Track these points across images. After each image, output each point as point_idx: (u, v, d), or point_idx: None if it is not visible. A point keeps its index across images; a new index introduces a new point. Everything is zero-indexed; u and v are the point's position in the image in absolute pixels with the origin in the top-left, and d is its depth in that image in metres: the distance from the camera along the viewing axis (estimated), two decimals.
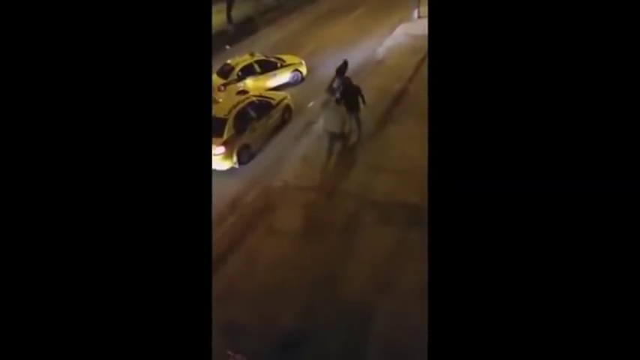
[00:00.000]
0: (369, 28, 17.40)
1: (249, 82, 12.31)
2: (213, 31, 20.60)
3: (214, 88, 12.05)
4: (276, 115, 10.44)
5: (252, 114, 9.67)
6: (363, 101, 9.14)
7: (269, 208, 7.69)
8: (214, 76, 12.48)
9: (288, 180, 8.42)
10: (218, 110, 9.39)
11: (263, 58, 13.00)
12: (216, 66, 13.83)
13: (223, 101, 9.99)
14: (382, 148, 8.96)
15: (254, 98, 10.24)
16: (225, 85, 12.08)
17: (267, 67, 12.78)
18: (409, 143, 8.74)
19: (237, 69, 12.35)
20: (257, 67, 12.60)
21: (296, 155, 9.25)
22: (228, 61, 12.96)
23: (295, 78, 13.06)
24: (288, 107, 10.93)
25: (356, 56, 14.24)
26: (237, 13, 23.45)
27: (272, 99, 10.64)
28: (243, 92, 11.71)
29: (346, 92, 8.81)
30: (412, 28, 15.87)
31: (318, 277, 6.06)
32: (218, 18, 22.94)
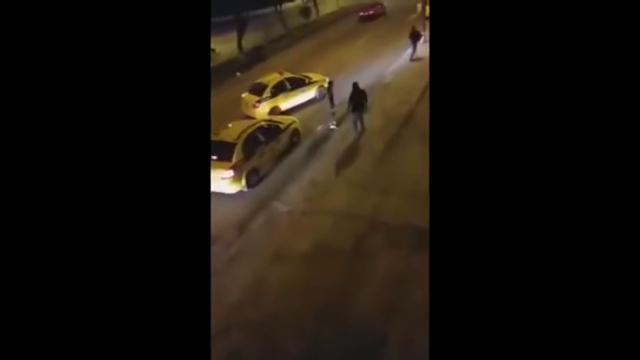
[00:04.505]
0: (377, 52, 17.69)
1: (281, 98, 13.20)
2: (225, 59, 21.25)
3: (249, 105, 13.00)
4: (284, 139, 10.55)
5: (261, 138, 9.78)
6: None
7: (276, 232, 7.66)
8: (246, 94, 13.48)
9: (295, 203, 8.42)
10: (227, 135, 9.52)
11: (292, 75, 13.97)
12: (227, 92, 14.19)
13: (233, 126, 10.14)
14: (390, 171, 8.94)
15: (263, 122, 10.38)
16: (259, 101, 12.89)
17: (296, 83, 13.75)
18: (416, 165, 8.72)
19: (270, 86, 13.19)
20: (287, 84, 13.52)
21: (304, 179, 9.27)
22: (259, 80, 13.89)
23: (321, 94, 13.81)
24: (296, 131, 11.06)
25: (364, 80, 14.45)
26: (248, 41, 24.16)
27: (280, 123, 10.77)
28: (276, 109, 12.77)
29: (354, 95, 10.24)
30: (418, 52, 16.15)
31: (326, 302, 5.95)
32: (229, 46, 23.67)
